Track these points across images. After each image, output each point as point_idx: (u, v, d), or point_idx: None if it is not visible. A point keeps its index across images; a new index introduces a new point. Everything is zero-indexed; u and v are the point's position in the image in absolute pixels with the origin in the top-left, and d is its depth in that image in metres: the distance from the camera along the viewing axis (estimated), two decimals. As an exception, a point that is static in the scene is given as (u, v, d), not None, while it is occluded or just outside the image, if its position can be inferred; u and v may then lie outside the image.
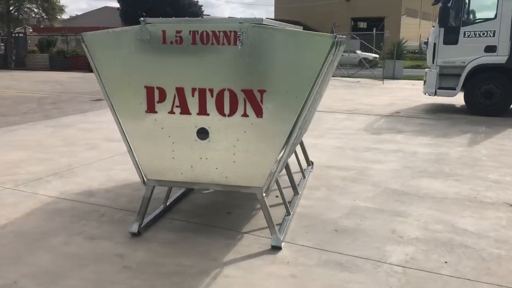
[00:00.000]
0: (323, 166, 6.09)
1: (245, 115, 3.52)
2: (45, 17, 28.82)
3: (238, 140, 3.58)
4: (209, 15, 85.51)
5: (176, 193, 4.73)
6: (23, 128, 8.85)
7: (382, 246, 3.76)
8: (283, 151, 3.59)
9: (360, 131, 8.57)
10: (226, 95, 3.51)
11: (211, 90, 3.53)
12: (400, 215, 4.42)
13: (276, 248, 3.67)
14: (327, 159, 6.47)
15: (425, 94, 11.06)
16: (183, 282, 3.18)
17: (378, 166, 6.14)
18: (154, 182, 3.86)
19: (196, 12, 50.64)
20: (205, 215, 4.40)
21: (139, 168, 3.83)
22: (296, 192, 4.80)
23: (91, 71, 21.28)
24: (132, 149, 3.78)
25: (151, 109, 3.65)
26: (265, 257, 3.56)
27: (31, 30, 34.09)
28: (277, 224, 4.09)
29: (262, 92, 3.46)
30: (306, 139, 7.66)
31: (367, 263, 3.46)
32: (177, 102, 3.60)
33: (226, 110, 3.54)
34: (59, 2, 27.74)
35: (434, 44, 10.53)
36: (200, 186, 3.85)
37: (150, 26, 3.49)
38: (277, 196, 4.86)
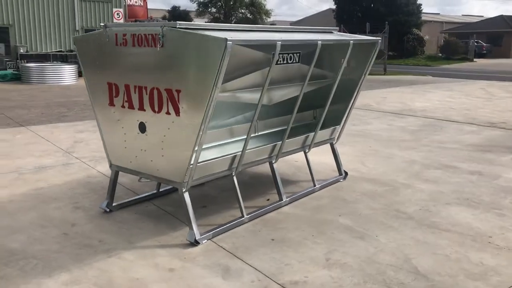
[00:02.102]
0: (361, 178, 5.64)
1: (168, 113, 3.73)
2: (251, 19, 31.88)
3: (164, 136, 3.82)
4: (438, 13, 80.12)
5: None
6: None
7: (295, 263, 3.49)
8: (194, 150, 3.66)
9: (469, 147, 7.38)
10: (155, 93, 3.78)
11: (145, 88, 3.85)
12: (365, 239, 3.93)
13: (193, 244, 3.78)
14: (377, 172, 5.93)
15: None
16: (82, 253, 3.62)
17: (423, 186, 5.35)
18: (115, 167, 4.38)
19: (413, 11, 48.12)
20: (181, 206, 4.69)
21: (107, 154, 4.39)
22: (280, 198, 4.68)
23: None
24: (102, 136, 4.37)
25: (111, 102, 4.16)
26: (173, 250, 3.71)
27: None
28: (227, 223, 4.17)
29: (178, 92, 3.62)
30: (390, 150, 7.07)
31: (252, 275, 3.31)
32: (125, 98, 4.03)
33: (156, 107, 3.81)
34: (265, 7, 30.27)
35: None
36: (142, 175, 4.20)
37: (108, 30, 4.00)
38: (268, 199, 4.86)
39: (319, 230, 4.10)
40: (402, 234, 4.03)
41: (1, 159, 6.43)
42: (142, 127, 3.97)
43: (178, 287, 3.16)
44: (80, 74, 20.41)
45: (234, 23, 32.43)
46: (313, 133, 5.08)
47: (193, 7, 35.88)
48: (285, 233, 4.05)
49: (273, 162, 4.71)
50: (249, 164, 4.49)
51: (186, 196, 3.86)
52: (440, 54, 44.29)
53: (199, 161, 3.85)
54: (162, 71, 3.70)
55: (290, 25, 76.97)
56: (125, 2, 35.77)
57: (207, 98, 3.45)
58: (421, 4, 49.09)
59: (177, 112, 3.66)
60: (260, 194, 4.97)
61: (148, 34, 3.70)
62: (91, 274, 3.32)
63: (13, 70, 18.87)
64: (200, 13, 33.34)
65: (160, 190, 4.94)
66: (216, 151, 4.39)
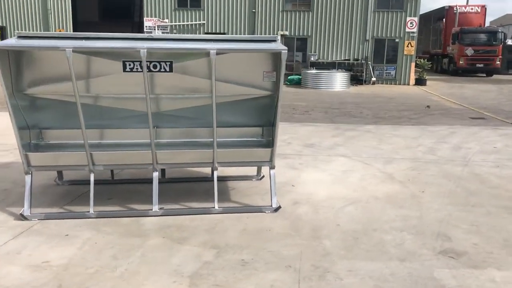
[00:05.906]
0: (292, 218, 4.71)
1: (25, 107, 4.59)
2: None
3: (29, 126, 4.69)
4: None
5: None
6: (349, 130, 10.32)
7: (36, 248, 3.80)
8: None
9: None
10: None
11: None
12: (118, 258, 3.68)
13: (21, 217, 4.52)
14: (332, 217, 4.73)
15: None
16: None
17: (334, 242, 4.04)
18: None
19: None
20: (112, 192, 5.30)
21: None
22: (151, 208, 4.68)
23: None
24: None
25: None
26: (9, 217, 4.55)
27: None
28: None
29: (19, 90, 4.44)
30: (437, 202, 5.51)
31: (8, 248, 3.87)
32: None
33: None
34: None
35: None
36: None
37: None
38: (161, 208, 4.92)
39: (121, 242, 4.08)
40: (158, 269, 3.54)
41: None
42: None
43: None
44: (354, 82, 21.25)
45: None
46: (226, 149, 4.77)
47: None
48: (89, 234, 4.22)
49: (153, 170, 4.74)
50: (122, 166, 4.81)
51: (27, 178, 4.61)
52: None
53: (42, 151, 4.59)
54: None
55: None
56: (457, 9, 34.04)
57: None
58: None
59: (23, 107, 4.50)
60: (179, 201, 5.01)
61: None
62: None
63: (299, 76, 21.40)
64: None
65: (114, 178, 5.70)
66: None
